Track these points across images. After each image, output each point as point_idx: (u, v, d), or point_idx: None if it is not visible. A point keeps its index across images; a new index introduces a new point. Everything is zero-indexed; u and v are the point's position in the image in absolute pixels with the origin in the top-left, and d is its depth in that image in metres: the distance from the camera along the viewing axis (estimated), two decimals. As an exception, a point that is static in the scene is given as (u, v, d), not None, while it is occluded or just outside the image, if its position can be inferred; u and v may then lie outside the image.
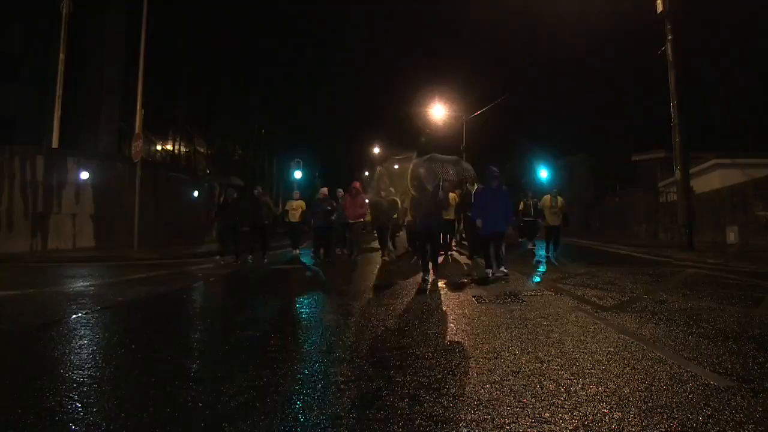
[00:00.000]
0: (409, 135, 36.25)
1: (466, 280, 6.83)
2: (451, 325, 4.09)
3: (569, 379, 2.67)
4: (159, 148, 24.20)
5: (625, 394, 2.44)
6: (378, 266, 9.28)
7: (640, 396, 2.42)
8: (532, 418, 2.17)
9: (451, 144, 27.91)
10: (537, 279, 7.14)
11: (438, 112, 27.58)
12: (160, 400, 2.41)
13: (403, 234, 13.44)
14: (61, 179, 13.42)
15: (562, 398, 2.40)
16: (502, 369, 2.87)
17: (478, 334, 3.75)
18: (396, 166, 10.22)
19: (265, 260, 10.46)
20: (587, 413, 2.22)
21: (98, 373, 2.89)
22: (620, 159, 23.94)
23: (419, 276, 6.95)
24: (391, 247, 10.91)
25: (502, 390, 2.52)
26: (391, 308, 4.86)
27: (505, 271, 7.27)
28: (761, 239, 12.47)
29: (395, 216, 10.80)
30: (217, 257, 10.62)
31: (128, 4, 18.31)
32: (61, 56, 13.03)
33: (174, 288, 6.81)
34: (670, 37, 11.69)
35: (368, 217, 11.62)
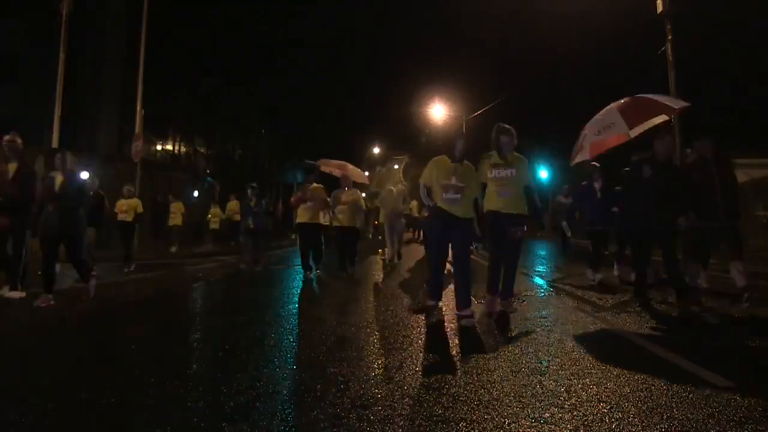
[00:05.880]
0: (409, 135, 36.21)
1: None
2: (451, 325, 4.09)
3: (569, 379, 2.67)
4: (159, 148, 24.19)
5: (625, 394, 2.44)
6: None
7: (640, 396, 2.42)
8: (532, 418, 2.17)
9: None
10: (537, 279, 7.13)
11: (438, 112, 27.56)
12: (160, 400, 2.41)
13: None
14: (61, 179, 13.39)
15: (562, 398, 2.40)
16: (502, 369, 2.87)
17: (478, 333, 3.75)
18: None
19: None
20: (587, 413, 2.22)
21: (98, 373, 2.89)
22: (620, 159, 23.90)
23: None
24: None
25: (502, 390, 2.52)
26: (390, 308, 4.86)
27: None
28: (761, 239, 12.47)
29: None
30: None
31: (128, 4, 18.31)
32: (61, 56, 13.00)
33: (174, 288, 6.81)
34: (670, 37, 11.69)
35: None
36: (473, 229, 4.45)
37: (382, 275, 7.93)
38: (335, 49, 42.65)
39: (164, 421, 2.16)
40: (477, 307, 4.56)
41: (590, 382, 2.63)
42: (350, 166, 8.91)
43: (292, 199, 8.10)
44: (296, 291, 6.24)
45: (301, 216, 7.66)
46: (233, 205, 13.91)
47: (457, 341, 3.55)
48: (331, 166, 9.03)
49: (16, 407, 2.33)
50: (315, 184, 7.91)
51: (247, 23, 28.67)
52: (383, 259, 10.06)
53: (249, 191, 9.28)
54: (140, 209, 9.38)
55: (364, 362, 3.04)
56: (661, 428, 2.05)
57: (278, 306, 5.30)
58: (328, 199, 7.81)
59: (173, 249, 13.14)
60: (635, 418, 2.16)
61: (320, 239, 7.99)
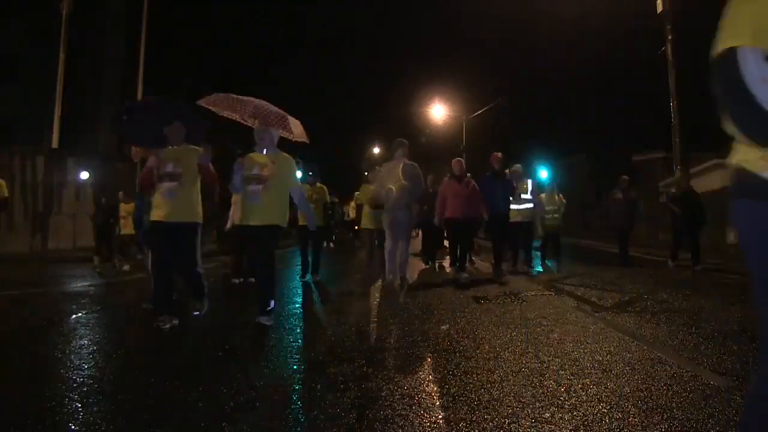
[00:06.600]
0: (409, 135, 36.18)
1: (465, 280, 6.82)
2: (451, 325, 4.09)
3: (569, 379, 2.67)
4: (159, 148, 24.15)
5: (625, 394, 2.44)
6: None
7: (640, 396, 2.42)
8: (532, 418, 2.17)
9: (451, 144, 27.93)
10: (537, 279, 7.13)
11: (438, 112, 27.58)
12: (160, 400, 2.41)
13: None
14: (61, 179, 13.44)
15: (562, 398, 2.40)
16: (503, 369, 2.87)
17: (478, 334, 3.75)
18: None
19: None
20: (587, 413, 2.21)
21: (98, 373, 2.89)
22: (620, 159, 23.93)
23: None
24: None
25: (502, 390, 2.52)
26: (391, 308, 4.86)
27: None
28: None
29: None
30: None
31: (128, 3, 18.33)
32: (61, 56, 13.04)
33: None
34: (670, 37, 11.70)
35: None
36: None
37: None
38: (335, 50, 42.62)
39: (164, 421, 2.16)
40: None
41: (590, 382, 2.63)
42: (272, 108, 4.81)
43: (141, 175, 4.68)
44: (294, 294, 6.22)
45: (157, 210, 4.16)
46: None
47: (457, 341, 3.55)
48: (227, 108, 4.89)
49: (15, 407, 2.33)
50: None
51: (247, 23, 28.70)
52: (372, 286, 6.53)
53: None
54: (5, 192, 7.24)
55: (364, 362, 3.04)
56: (661, 428, 2.05)
57: (277, 307, 5.29)
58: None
59: (126, 267, 9.33)
60: (635, 418, 2.16)
61: (195, 255, 4.30)
